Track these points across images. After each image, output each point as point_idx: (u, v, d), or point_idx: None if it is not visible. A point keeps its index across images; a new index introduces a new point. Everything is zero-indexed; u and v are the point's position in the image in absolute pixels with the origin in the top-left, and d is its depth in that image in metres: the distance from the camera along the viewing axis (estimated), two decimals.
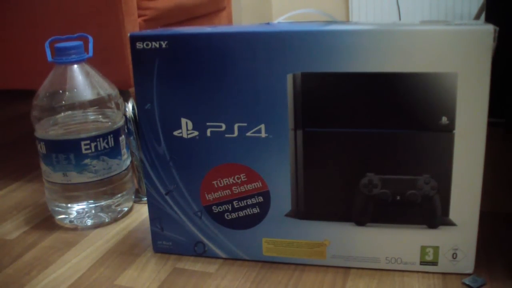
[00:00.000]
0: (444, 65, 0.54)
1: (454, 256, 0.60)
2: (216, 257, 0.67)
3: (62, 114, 0.75)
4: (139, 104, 0.63)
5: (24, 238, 0.76)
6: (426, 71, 0.55)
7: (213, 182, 0.64)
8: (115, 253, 0.70)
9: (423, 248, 0.60)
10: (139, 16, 0.96)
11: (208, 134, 0.62)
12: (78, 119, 0.76)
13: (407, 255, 0.61)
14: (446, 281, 0.60)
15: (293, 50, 0.57)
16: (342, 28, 0.56)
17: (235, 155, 0.62)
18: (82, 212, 0.77)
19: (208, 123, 0.62)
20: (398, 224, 0.60)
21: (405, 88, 0.56)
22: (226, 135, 0.62)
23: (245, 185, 0.63)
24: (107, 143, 0.76)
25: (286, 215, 0.63)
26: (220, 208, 0.64)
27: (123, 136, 0.79)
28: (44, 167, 0.77)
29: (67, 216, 0.78)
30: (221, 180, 0.63)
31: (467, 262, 0.60)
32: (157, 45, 0.60)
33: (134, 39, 0.61)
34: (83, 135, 0.74)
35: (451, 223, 0.59)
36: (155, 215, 0.67)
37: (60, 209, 0.78)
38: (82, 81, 0.75)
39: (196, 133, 0.63)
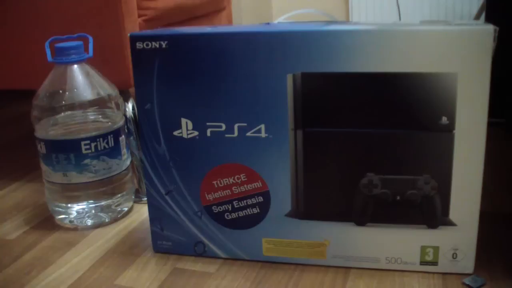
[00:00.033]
0: (444, 65, 0.54)
1: (454, 256, 0.60)
2: (216, 257, 0.67)
3: (62, 114, 0.75)
4: (139, 104, 0.63)
5: (24, 238, 0.76)
6: (426, 71, 0.55)
7: (213, 182, 0.64)
8: (115, 253, 0.70)
9: (423, 248, 0.60)
10: (139, 16, 0.96)
11: (208, 134, 0.62)
12: (78, 119, 0.76)
13: (407, 255, 0.61)
14: (446, 281, 0.60)
15: (293, 50, 0.57)
16: (342, 28, 0.56)
17: (235, 155, 0.62)
18: (82, 212, 0.77)
19: (208, 123, 0.62)
20: (398, 224, 0.60)
21: (405, 88, 0.56)
22: (226, 135, 0.62)
23: (245, 185, 0.63)
24: (107, 143, 0.76)
25: (286, 215, 0.63)
26: (220, 208, 0.64)
27: (123, 136, 0.79)
28: (44, 167, 0.77)
29: (67, 216, 0.78)
30: (221, 180, 0.63)
31: (467, 262, 0.60)
32: (157, 45, 0.60)
33: (134, 39, 0.61)
34: (83, 135, 0.74)
35: (451, 223, 0.59)
36: (155, 215, 0.67)
37: (60, 209, 0.78)
38: (82, 81, 0.75)
39: (196, 133, 0.63)
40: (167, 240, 0.68)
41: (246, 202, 0.63)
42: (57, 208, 0.78)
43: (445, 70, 0.55)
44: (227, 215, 0.64)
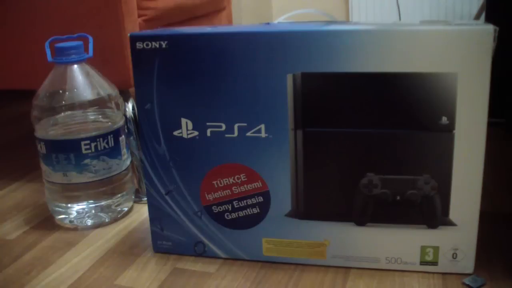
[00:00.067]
0: (444, 65, 0.54)
1: (454, 256, 0.60)
2: (216, 257, 0.67)
3: (62, 114, 0.75)
4: (139, 104, 0.63)
5: (24, 238, 0.76)
6: (426, 71, 0.55)
7: (213, 182, 0.64)
8: (115, 253, 0.70)
9: (423, 248, 0.60)
10: (139, 16, 0.96)
11: (208, 134, 0.62)
12: (78, 119, 0.76)
13: (407, 255, 0.61)
14: (446, 281, 0.60)
15: (293, 50, 0.57)
16: (342, 28, 0.56)
17: (235, 155, 0.62)
18: (82, 212, 0.77)
19: (208, 123, 0.62)
20: (398, 224, 0.60)
21: (405, 88, 0.56)
22: (226, 135, 0.62)
23: (245, 185, 0.63)
24: (107, 143, 0.76)
25: (286, 215, 0.63)
26: (220, 208, 0.64)
27: (123, 136, 0.79)
28: (44, 167, 0.77)
29: (67, 216, 0.78)
30: (221, 180, 0.63)
31: (467, 262, 0.60)
32: (157, 45, 0.60)
33: (134, 39, 0.61)
34: (83, 135, 0.74)
35: (451, 223, 0.59)
36: (155, 215, 0.67)
37: (60, 209, 0.78)
38: (82, 81, 0.75)
39: (196, 133, 0.63)
40: (167, 240, 0.68)
41: (246, 202, 0.63)
42: (57, 208, 0.78)
43: (445, 70, 0.55)
44: (227, 215, 0.64)
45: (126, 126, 0.81)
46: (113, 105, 0.77)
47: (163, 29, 0.65)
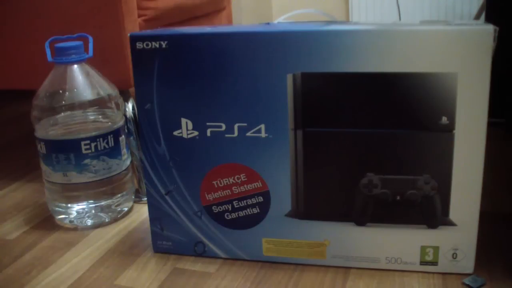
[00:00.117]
0: (444, 65, 0.54)
1: (454, 256, 0.60)
2: (216, 257, 0.67)
3: (62, 114, 0.75)
4: (139, 104, 0.63)
5: (24, 238, 0.76)
6: (426, 71, 0.55)
7: (213, 182, 0.64)
8: (115, 253, 0.70)
9: (423, 248, 0.60)
10: (139, 16, 0.96)
11: (208, 134, 0.62)
12: (78, 119, 0.76)
13: (407, 255, 0.61)
14: (446, 281, 0.60)
15: (293, 50, 0.57)
16: (342, 28, 0.56)
17: (235, 155, 0.62)
18: (82, 212, 0.77)
19: (208, 123, 0.62)
20: (398, 224, 0.60)
21: (405, 88, 0.56)
22: (226, 135, 0.62)
23: (245, 185, 0.63)
24: (107, 143, 0.76)
25: (286, 215, 0.63)
26: (220, 208, 0.64)
27: (123, 136, 0.79)
28: (44, 167, 0.77)
29: (67, 216, 0.78)
30: (221, 180, 0.63)
31: (467, 262, 0.60)
32: (157, 45, 0.60)
33: (134, 39, 0.61)
34: (83, 135, 0.74)
35: (451, 223, 0.59)
36: (155, 215, 0.67)
37: (60, 209, 0.78)
38: (82, 81, 0.75)
39: (196, 133, 0.63)
40: (167, 240, 0.68)
41: (246, 202, 0.63)
42: (57, 208, 0.78)
43: (445, 70, 0.54)
44: (227, 215, 0.64)
45: (126, 126, 0.81)
46: (113, 105, 0.77)
47: (163, 29, 0.65)
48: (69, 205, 0.77)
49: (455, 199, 0.58)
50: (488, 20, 1.13)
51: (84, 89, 0.75)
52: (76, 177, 0.75)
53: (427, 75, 0.55)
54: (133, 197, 0.83)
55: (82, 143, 0.74)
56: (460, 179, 0.57)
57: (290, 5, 2.45)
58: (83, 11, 0.89)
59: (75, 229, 0.77)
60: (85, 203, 0.77)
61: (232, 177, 0.63)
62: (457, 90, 0.55)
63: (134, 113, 0.83)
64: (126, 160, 0.80)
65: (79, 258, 0.69)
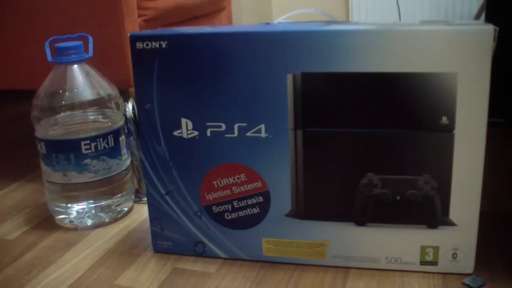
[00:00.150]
0: (444, 65, 0.54)
1: (454, 256, 0.60)
2: (216, 257, 0.67)
3: (62, 114, 0.75)
4: (139, 104, 0.63)
5: (24, 238, 0.76)
6: (426, 71, 0.55)
7: (213, 182, 0.64)
8: (115, 253, 0.70)
9: (423, 248, 0.60)
10: (139, 16, 0.96)
11: (208, 134, 0.62)
12: (78, 119, 0.76)
13: (407, 255, 0.61)
14: (446, 281, 0.60)
15: (293, 50, 0.57)
16: (342, 28, 0.56)
17: (235, 155, 0.62)
18: (82, 212, 0.77)
19: (208, 123, 0.62)
20: (398, 224, 0.60)
21: (405, 88, 0.56)
22: (226, 135, 0.62)
23: (245, 185, 0.63)
24: (107, 143, 0.76)
25: (286, 215, 0.63)
26: (220, 208, 0.64)
27: (123, 136, 0.79)
28: (44, 167, 0.77)
29: (67, 216, 0.78)
30: (221, 180, 0.63)
31: (467, 262, 0.60)
32: (157, 45, 0.60)
33: (134, 39, 0.61)
34: (83, 135, 0.74)
35: (451, 223, 0.59)
36: (155, 215, 0.67)
37: (60, 209, 0.78)
38: (82, 81, 0.75)
39: (196, 133, 0.63)
40: (167, 240, 0.68)
41: (246, 202, 0.63)
42: (57, 208, 0.78)
43: (445, 70, 0.54)
44: (227, 215, 0.64)
45: (126, 126, 0.81)
46: (113, 105, 0.77)
47: (163, 29, 0.65)
48: (69, 205, 0.77)
49: (455, 199, 0.58)
50: (488, 20, 1.13)
51: (84, 89, 0.75)
52: (76, 177, 0.75)
53: (427, 75, 0.55)
54: (133, 197, 0.83)
55: (82, 143, 0.74)
56: (460, 179, 0.57)
57: (290, 5, 2.45)
58: (83, 11, 0.89)
59: (75, 229, 0.77)
60: (85, 203, 0.77)
61: (232, 177, 0.63)
62: (457, 90, 0.55)
63: (134, 113, 0.83)
64: (126, 160, 0.80)
65: (79, 258, 0.69)
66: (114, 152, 0.77)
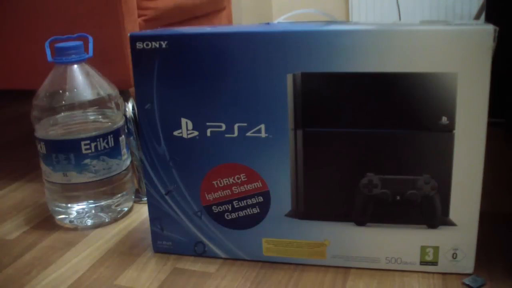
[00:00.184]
0: (444, 65, 0.54)
1: (454, 256, 0.60)
2: (216, 257, 0.67)
3: (62, 114, 0.75)
4: (139, 104, 0.63)
5: (24, 238, 0.76)
6: (426, 71, 0.55)
7: (213, 182, 0.64)
8: (115, 253, 0.70)
9: (423, 248, 0.60)
10: (139, 16, 0.96)
11: (208, 134, 0.62)
12: (78, 119, 0.76)
13: (407, 255, 0.61)
14: (446, 281, 0.60)
15: (293, 50, 0.57)
16: (342, 28, 0.56)
17: (235, 155, 0.62)
18: (82, 212, 0.77)
19: (208, 123, 0.62)
20: (398, 224, 0.60)
21: (405, 88, 0.56)
22: (226, 135, 0.62)
23: (245, 185, 0.63)
24: (107, 143, 0.76)
25: (286, 215, 0.63)
26: (220, 208, 0.64)
27: (123, 136, 0.79)
28: (44, 167, 0.77)
29: (67, 216, 0.78)
30: (221, 180, 0.63)
31: (467, 262, 0.60)
32: (157, 45, 0.60)
33: (134, 39, 0.61)
34: (83, 135, 0.74)
35: (451, 223, 0.59)
36: (155, 215, 0.67)
37: (60, 209, 0.78)
38: (82, 81, 0.75)
39: (196, 133, 0.63)
40: (167, 240, 0.68)
41: (246, 202, 0.63)
42: (57, 208, 0.78)
43: (445, 70, 0.54)
44: (227, 215, 0.64)
45: (126, 126, 0.81)
46: (113, 105, 0.77)
47: (163, 29, 0.65)
48: (69, 205, 0.77)
49: (455, 199, 0.58)
50: (488, 20, 1.13)
51: (84, 89, 0.75)
52: (76, 177, 0.75)
53: (427, 75, 0.55)
54: (133, 197, 0.83)
55: (82, 143, 0.74)
56: (460, 179, 0.57)
57: (290, 5, 2.45)
58: (83, 11, 0.89)
59: (75, 229, 0.77)
60: (85, 203, 0.77)
61: (232, 177, 0.63)
62: (457, 90, 0.55)
63: (134, 113, 0.83)
64: (126, 160, 0.80)
65: (79, 258, 0.69)
66: (114, 152, 0.77)
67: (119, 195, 0.79)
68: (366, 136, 0.58)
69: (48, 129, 0.76)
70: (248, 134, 0.61)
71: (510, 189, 0.83)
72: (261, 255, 0.65)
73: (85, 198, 0.77)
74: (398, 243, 0.61)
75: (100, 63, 0.80)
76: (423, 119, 0.56)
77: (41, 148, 0.76)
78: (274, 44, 0.57)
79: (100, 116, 0.77)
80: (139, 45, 0.61)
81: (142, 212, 0.82)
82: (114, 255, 0.69)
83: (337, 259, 0.63)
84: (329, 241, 0.62)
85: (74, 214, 0.77)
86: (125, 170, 0.80)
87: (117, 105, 0.78)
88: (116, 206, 0.79)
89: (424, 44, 0.54)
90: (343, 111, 0.58)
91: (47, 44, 0.77)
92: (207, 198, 0.64)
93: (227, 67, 0.59)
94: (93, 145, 0.75)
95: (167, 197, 0.66)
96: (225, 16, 1.45)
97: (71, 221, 0.78)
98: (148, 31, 0.62)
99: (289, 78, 0.58)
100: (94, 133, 0.75)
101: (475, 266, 0.60)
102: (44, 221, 0.80)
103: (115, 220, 0.79)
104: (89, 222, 0.78)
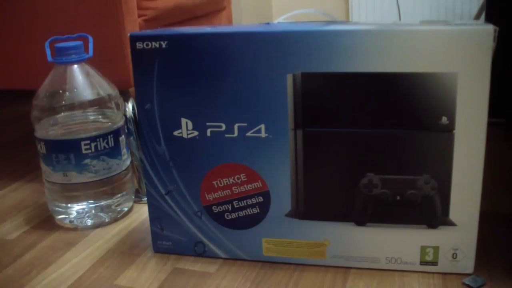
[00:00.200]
0: (444, 65, 0.54)
1: (454, 256, 0.60)
2: (216, 257, 0.67)
3: (62, 114, 0.75)
4: (139, 104, 0.63)
5: (24, 238, 0.76)
6: (426, 71, 0.55)
7: (213, 182, 0.64)
8: (115, 253, 0.70)
9: (423, 248, 0.60)
10: (139, 16, 0.96)
11: (208, 134, 0.62)
12: (78, 119, 0.76)
13: (407, 255, 0.61)
14: (446, 281, 0.60)
15: (293, 50, 0.57)
16: (342, 28, 0.56)
17: (235, 155, 0.62)
18: (82, 212, 0.77)
19: (208, 123, 0.62)
20: (398, 224, 0.60)
21: (405, 88, 0.56)
22: (226, 135, 0.62)
23: (245, 185, 0.63)
24: (107, 143, 0.76)
25: (286, 215, 0.63)
26: (220, 208, 0.64)
27: (123, 136, 0.79)
28: (44, 167, 0.77)
29: (67, 216, 0.78)
30: (221, 180, 0.63)
31: (467, 262, 0.60)
32: (157, 45, 0.60)
33: (134, 39, 0.61)
34: (83, 135, 0.74)
35: (451, 223, 0.59)
36: (155, 215, 0.67)
37: (60, 209, 0.78)
38: (82, 81, 0.75)
39: (196, 133, 0.63)
40: (167, 240, 0.68)
41: (246, 202, 0.63)
42: (57, 208, 0.78)
43: (445, 70, 0.54)
44: (227, 215, 0.64)
45: (126, 126, 0.81)
46: (113, 105, 0.77)
47: (163, 29, 0.65)
48: (69, 205, 0.77)
49: (455, 199, 0.58)
50: (488, 20, 1.13)
51: (84, 89, 0.75)
52: (76, 177, 0.75)
53: (427, 75, 0.55)
54: (133, 197, 0.83)
55: (82, 143, 0.74)
56: (460, 179, 0.57)
57: (290, 5, 2.45)
58: (83, 11, 0.89)
59: (75, 229, 0.77)
60: (85, 203, 0.77)
61: (232, 177, 0.63)
62: (457, 90, 0.55)
63: (134, 113, 0.83)
64: (126, 160, 0.80)
65: (79, 258, 0.69)
66: (114, 152, 0.77)
67: (119, 195, 0.79)
68: (366, 136, 0.58)
69: (48, 129, 0.76)
70: (248, 134, 0.61)
71: (510, 189, 0.83)
72: (261, 255, 0.65)
73: (85, 198, 0.77)
74: (398, 243, 0.61)
75: (100, 63, 0.80)
76: (423, 119, 0.56)
77: (41, 148, 0.76)
78: (274, 44, 0.57)
79: (100, 116, 0.77)
80: (139, 45, 0.61)
81: (142, 212, 0.82)
82: (114, 255, 0.69)
83: (337, 259, 0.63)
84: (329, 241, 0.62)
85: (74, 214, 0.77)
86: (125, 170, 0.80)
87: (117, 105, 0.78)
88: (116, 206, 0.79)
89: (424, 44, 0.54)
90: (343, 111, 0.58)
91: (47, 44, 0.77)
92: (207, 198, 0.64)
93: (227, 67, 0.59)
94: (93, 145, 0.75)
95: (167, 197, 0.66)
96: (225, 16, 1.45)
97: (71, 221, 0.78)
98: (148, 31, 0.62)
99: (289, 78, 0.58)
100: (94, 133, 0.75)
101: (475, 266, 0.60)
102: (44, 221, 0.80)
103: (115, 220, 0.79)
104: (89, 222, 0.78)
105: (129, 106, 0.84)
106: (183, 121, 0.62)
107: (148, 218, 0.75)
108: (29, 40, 0.92)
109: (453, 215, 0.59)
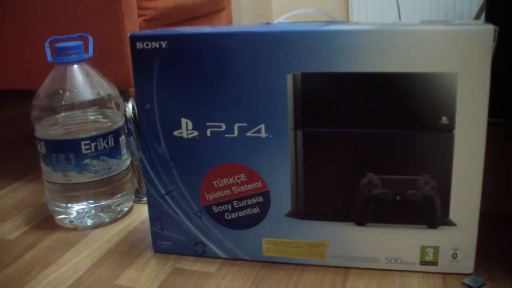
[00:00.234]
0: (444, 65, 0.54)
1: (454, 256, 0.60)
2: (216, 257, 0.67)
3: (62, 114, 0.75)
4: (139, 104, 0.63)
5: (24, 238, 0.76)
6: (426, 71, 0.55)
7: (213, 182, 0.64)
8: (115, 253, 0.70)
9: (423, 248, 0.60)
10: (139, 16, 0.96)
11: (208, 134, 0.62)
12: (78, 119, 0.76)
13: (407, 255, 0.61)
14: (446, 281, 0.60)
15: (293, 50, 0.57)
16: (342, 28, 0.56)
17: (235, 155, 0.62)
18: (82, 212, 0.77)
19: (208, 123, 0.62)
20: (398, 224, 0.60)
21: (405, 88, 0.56)
22: (226, 135, 0.62)
23: (245, 185, 0.63)
24: (107, 143, 0.76)
25: (286, 215, 0.63)
26: (220, 208, 0.64)
27: (123, 136, 0.79)
28: (44, 167, 0.77)
29: (67, 216, 0.78)
30: (221, 180, 0.63)
31: (467, 262, 0.60)
32: (157, 45, 0.60)
33: (134, 39, 0.61)
34: (83, 135, 0.74)
35: (451, 223, 0.59)
36: (155, 215, 0.67)
37: (60, 209, 0.78)
38: (82, 81, 0.75)
39: (196, 133, 0.63)
40: (167, 240, 0.68)
41: (246, 202, 0.63)
42: (57, 208, 0.78)
43: (445, 70, 0.54)
44: (227, 215, 0.64)
45: (126, 126, 0.81)
46: (113, 105, 0.77)
47: (163, 29, 0.65)
48: (69, 205, 0.77)
49: (455, 199, 0.58)
50: (488, 20, 1.13)
51: (84, 89, 0.75)
52: (76, 177, 0.75)
53: (427, 75, 0.55)
54: (133, 197, 0.83)
55: (82, 143, 0.74)
56: (460, 179, 0.57)
57: (290, 5, 2.45)
58: (83, 11, 0.89)
59: (75, 229, 0.77)
60: (85, 203, 0.77)
61: (232, 177, 0.63)
62: (457, 90, 0.55)
63: (134, 113, 0.83)
64: (126, 160, 0.80)
65: (79, 258, 0.69)
66: (114, 152, 0.77)
67: (119, 195, 0.79)
68: (366, 136, 0.58)
69: (48, 129, 0.76)
70: (248, 134, 0.61)
71: (510, 189, 0.83)
72: (261, 255, 0.65)
73: (85, 198, 0.77)
74: (398, 243, 0.61)
75: (100, 63, 0.80)
76: (423, 119, 0.56)
77: (41, 148, 0.76)
78: (274, 44, 0.57)
79: (100, 116, 0.77)
80: (139, 45, 0.61)
81: (142, 212, 0.82)
82: (114, 255, 0.69)
83: (337, 259, 0.63)
84: (329, 241, 0.62)
85: (74, 214, 0.77)
86: (125, 170, 0.80)
87: (117, 105, 0.78)
88: (116, 206, 0.79)
89: (424, 44, 0.54)
90: (343, 111, 0.58)
91: (47, 44, 0.77)
92: (207, 198, 0.64)
93: (227, 67, 0.59)
94: (93, 145, 0.75)
95: (167, 197, 0.66)
96: (225, 16, 1.45)
97: (71, 221, 0.78)
98: (148, 31, 0.62)
99: (289, 78, 0.58)
100: (94, 133, 0.75)
101: (475, 266, 0.60)
102: (44, 221, 0.81)
103: (115, 220, 0.79)
104: (89, 222, 0.78)
105: (129, 106, 0.84)
106: (183, 121, 0.62)
107: (148, 218, 0.75)
108: (29, 40, 0.92)
109: (453, 215, 0.59)
